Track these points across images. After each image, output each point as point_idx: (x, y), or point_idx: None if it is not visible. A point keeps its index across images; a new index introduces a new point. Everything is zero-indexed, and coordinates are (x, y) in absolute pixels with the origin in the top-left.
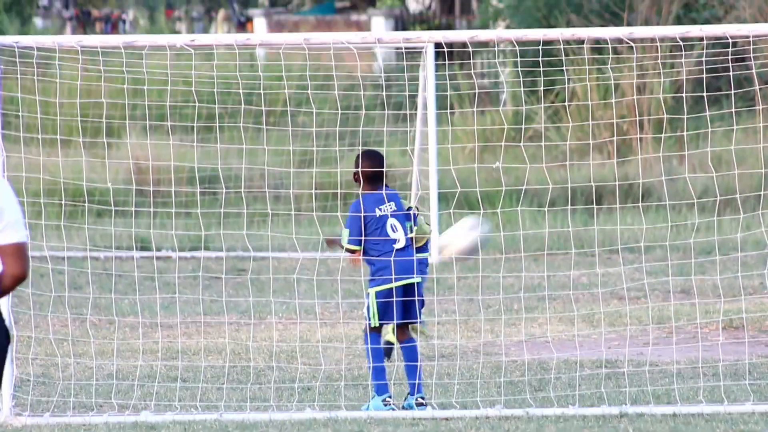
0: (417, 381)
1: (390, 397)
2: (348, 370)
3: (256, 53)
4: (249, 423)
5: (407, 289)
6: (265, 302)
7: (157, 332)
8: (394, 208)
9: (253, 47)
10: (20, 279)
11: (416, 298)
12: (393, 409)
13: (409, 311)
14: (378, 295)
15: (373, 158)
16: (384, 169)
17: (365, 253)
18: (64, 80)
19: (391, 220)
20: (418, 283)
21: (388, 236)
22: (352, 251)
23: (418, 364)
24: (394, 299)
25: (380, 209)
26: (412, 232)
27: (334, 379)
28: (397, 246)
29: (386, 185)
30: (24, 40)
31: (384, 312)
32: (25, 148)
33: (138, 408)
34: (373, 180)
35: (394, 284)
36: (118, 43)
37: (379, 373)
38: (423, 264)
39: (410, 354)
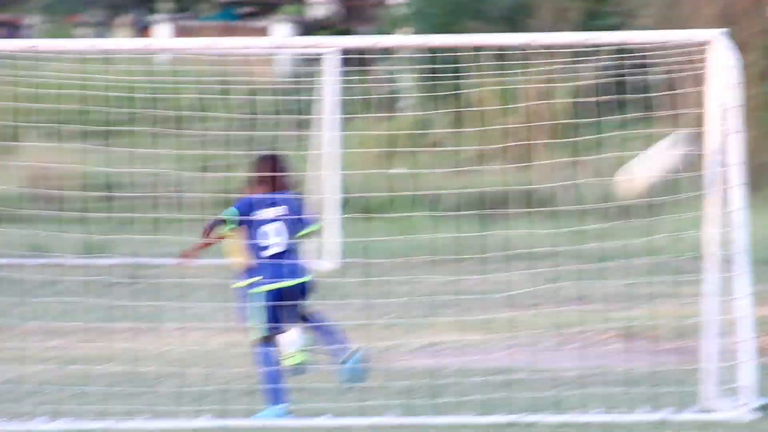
0: (340, 346)
1: (287, 405)
2: (243, 378)
3: (157, 59)
4: (143, 431)
5: (287, 293)
6: (162, 309)
7: (52, 339)
8: (283, 212)
9: (157, 52)
10: None
11: (286, 304)
12: (289, 418)
13: (291, 313)
14: (257, 298)
15: (269, 161)
16: (276, 174)
17: (246, 254)
18: None
19: (275, 225)
20: (301, 284)
21: (267, 240)
22: (214, 228)
23: (329, 324)
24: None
25: (265, 212)
26: (301, 237)
27: (230, 387)
28: (275, 251)
29: (284, 189)
30: None
31: (265, 316)
32: None
33: (33, 415)
34: (267, 183)
35: (269, 287)
36: (20, 47)
37: (273, 380)
38: (303, 268)
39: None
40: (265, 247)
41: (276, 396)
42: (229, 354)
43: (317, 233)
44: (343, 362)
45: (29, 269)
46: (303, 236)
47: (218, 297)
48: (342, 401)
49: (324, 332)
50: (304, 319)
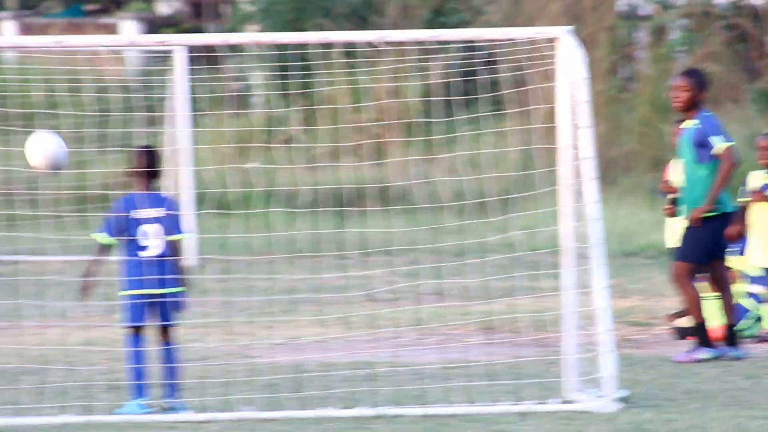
0: (171, 383)
1: (148, 399)
2: (105, 374)
3: (3, 56)
4: (5, 427)
5: (157, 296)
6: (19, 306)
7: None
8: (162, 213)
9: (3, 50)
10: None
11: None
12: (151, 412)
13: (163, 315)
14: (128, 298)
15: (146, 156)
16: (154, 169)
17: (121, 253)
18: None
19: (154, 226)
20: (170, 294)
21: (141, 241)
22: (101, 246)
23: (174, 367)
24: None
25: (146, 211)
26: (174, 241)
27: (92, 383)
28: (150, 253)
29: (158, 186)
30: None
31: (134, 316)
32: None
33: None
34: (144, 177)
35: (140, 291)
36: None
37: (138, 375)
38: (176, 273)
39: (167, 357)
40: (144, 247)
41: (139, 390)
42: (89, 350)
43: (182, 244)
44: (167, 407)
45: None
46: (176, 240)
47: (76, 293)
48: (206, 396)
49: (167, 368)
50: (164, 335)
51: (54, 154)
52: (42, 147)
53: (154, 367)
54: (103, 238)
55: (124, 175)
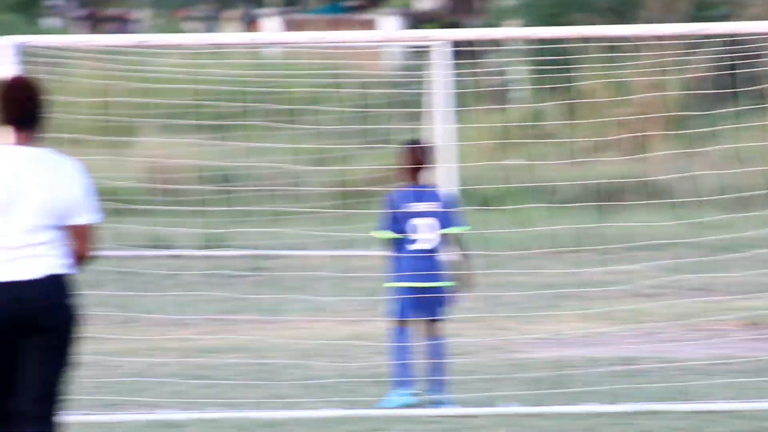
0: (437, 378)
1: (412, 392)
2: (370, 368)
3: (266, 52)
4: (270, 421)
5: (427, 290)
6: (286, 300)
7: (177, 330)
8: (434, 207)
9: (267, 46)
10: (86, 258)
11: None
12: (413, 405)
13: (431, 309)
14: (395, 292)
15: (416, 151)
16: (423, 165)
17: (391, 247)
18: (82, 78)
19: (426, 219)
20: (438, 288)
21: (411, 235)
22: (384, 241)
23: (441, 362)
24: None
25: (416, 205)
26: (449, 235)
27: (356, 377)
28: (419, 247)
29: (429, 180)
30: (42, 39)
31: (400, 309)
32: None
33: (159, 406)
34: (414, 173)
35: (408, 284)
36: (134, 42)
37: (401, 368)
38: (443, 267)
39: (434, 351)
40: (413, 241)
41: (401, 382)
42: (354, 344)
43: (463, 237)
44: (432, 402)
45: (150, 262)
46: (451, 235)
47: (339, 288)
48: (469, 391)
49: (433, 362)
50: (431, 329)
51: None
52: None
53: (420, 362)
54: (384, 234)
55: (393, 169)
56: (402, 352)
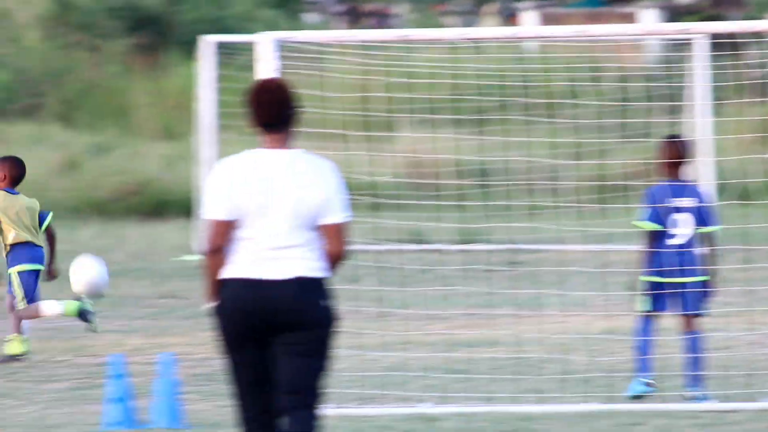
0: (695, 373)
1: (650, 379)
2: (627, 363)
3: (524, 46)
4: (527, 415)
5: (684, 285)
6: (542, 295)
7: (433, 324)
8: (690, 203)
9: (526, 40)
10: (340, 257)
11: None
12: (652, 392)
13: (687, 304)
14: (649, 285)
15: (676, 145)
16: (682, 159)
17: (651, 241)
18: (344, 74)
19: (685, 215)
20: (692, 284)
21: (671, 229)
22: (646, 233)
23: (699, 356)
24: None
25: (679, 200)
26: (704, 233)
27: (613, 371)
28: (677, 242)
29: (686, 175)
30: (301, 35)
31: (652, 302)
32: (304, 144)
33: (415, 400)
34: (673, 169)
35: (663, 279)
36: (394, 37)
37: (642, 353)
38: (701, 263)
39: (691, 346)
40: (672, 236)
41: (641, 367)
42: (611, 339)
43: (716, 234)
44: (691, 397)
45: (409, 256)
46: (705, 233)
47: (596, 283)
48: (729, 386)
49: (691, 357)
50: (688, 324)
51: (94, 281)
52: (83, 273)
53: (676, 357)
54: (647, 225)
55: (652, 164)
56: (646, 344)
